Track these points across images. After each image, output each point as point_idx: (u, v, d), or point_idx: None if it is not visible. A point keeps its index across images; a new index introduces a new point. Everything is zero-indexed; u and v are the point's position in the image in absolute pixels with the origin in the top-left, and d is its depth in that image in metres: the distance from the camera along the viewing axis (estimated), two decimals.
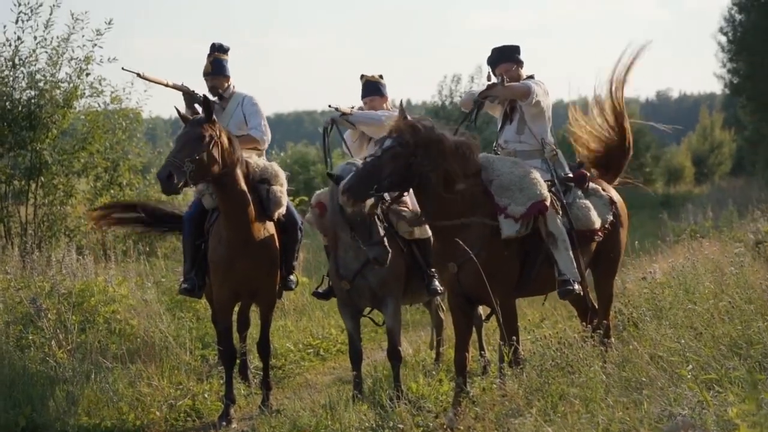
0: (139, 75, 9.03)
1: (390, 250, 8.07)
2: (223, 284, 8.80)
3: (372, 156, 7.51)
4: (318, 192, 9.51)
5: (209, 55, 9.40)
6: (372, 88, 9.40)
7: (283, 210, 8.97)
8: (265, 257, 8.82)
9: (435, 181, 7.43)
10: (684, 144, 55.88)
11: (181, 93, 9.30)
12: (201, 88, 9.38)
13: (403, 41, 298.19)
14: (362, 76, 9.49)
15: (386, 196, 7.70)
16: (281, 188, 8.99)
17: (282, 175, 9.11)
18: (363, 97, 9.41)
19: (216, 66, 9.38)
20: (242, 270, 8.69)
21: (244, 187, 8.55)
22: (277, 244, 8.97)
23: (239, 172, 8.52)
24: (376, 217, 8.03)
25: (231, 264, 8.68)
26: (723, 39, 41.23)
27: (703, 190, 42.32)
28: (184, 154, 8.08)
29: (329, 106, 9.12)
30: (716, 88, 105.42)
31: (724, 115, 53.07)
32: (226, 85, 9.42)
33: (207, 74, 9.38)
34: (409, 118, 7.60)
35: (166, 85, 9.17)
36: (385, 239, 8.10)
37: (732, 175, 49.86)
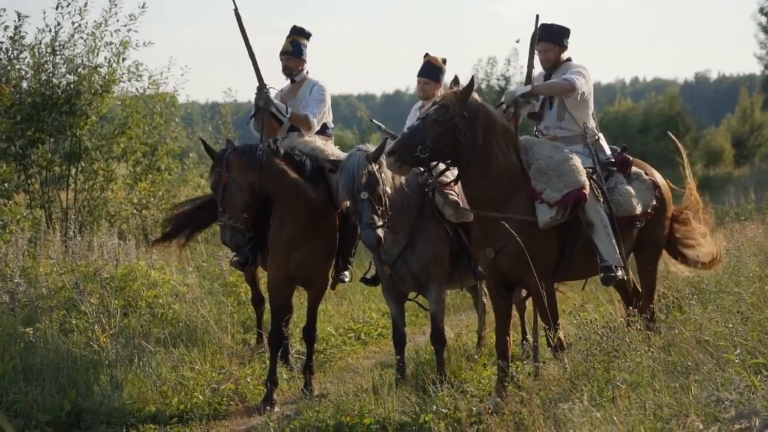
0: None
1: (381, 237, 8.00)
2: (281, 267, 8.85)
3: (418, 119, 7.55)
4: None
5: (288, 36, 9.54)
6: (429, 70, 9.26)
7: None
8: (323, 245, 8.87)
9: (476, 150, 7.44)
10: (723, 125, 55.34)
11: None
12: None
13: (438, 26, 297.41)
14: (426, 55, 9.34)
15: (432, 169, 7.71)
16: None
17: None
18: (419, 75, 9.32)
19: (295, 47, 9.51)
20: (301, 255, 8.74)
21: (293, 177, 8.56)
22: (337, 234, 8.99)
23: (280, 168, 8.52)
24: (370, 200, 8.02)
25: (291, 248, 8.73)
26: (763, 19, 40.81)
27: (744, 172, 41.90)
28: (227, 213, 8.44)
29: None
30: (756, 69, 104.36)
31: (764, 96, 52.39)
32: (300, 68, 9.49)
33: (285, 53, 9.51)
34: (458, 90, 7.62)
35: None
36: (379, 224, 8.02)
37: None
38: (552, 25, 8.34)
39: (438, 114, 7.46)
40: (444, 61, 9.35)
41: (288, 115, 9.16)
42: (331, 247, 9.00)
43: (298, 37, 9.54)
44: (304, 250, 8.75)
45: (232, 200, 8.38)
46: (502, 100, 8.17)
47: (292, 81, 9.56)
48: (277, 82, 9.59)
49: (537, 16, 8.16)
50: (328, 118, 9.59)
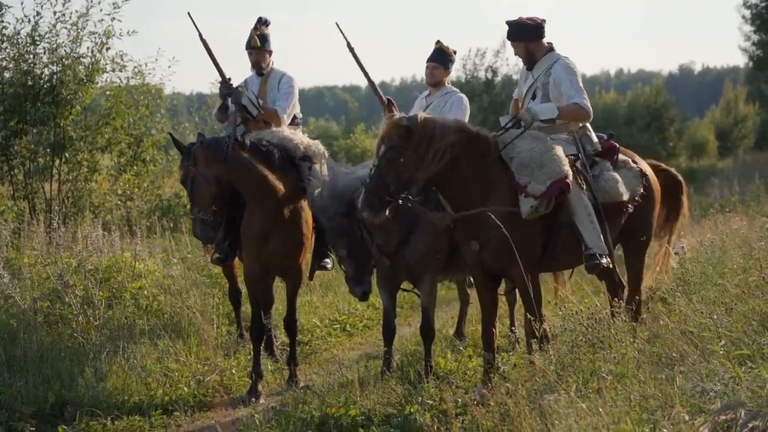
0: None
1: None
2: (254, 259, 8.83)
3: (373, 166, 7.50)
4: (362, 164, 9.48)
5: (256, 29, 9.44)
6: (439, 56, 9.28)
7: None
8: (294, 235, 8.84)
9: (437, 165, 7.41)
10: (707, 118, 55.56)
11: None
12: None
13: (431, 19, 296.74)
14: (437, 42, 9.34)
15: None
16: (323, 168, 9.02)
17: (325, 155, 9.15)
18: (428, 60, 9.31)
19: (263, 40, 9.45)
20: (273, 246, 8.73)
21: (259, 168, 8.55)
22: (311, 222, 8.99)
23: (245, 160, 8.51)
24: None
25: (262, 239, 8.72)
26: (747, 11, 40.87)
27: (727, 164, 42.07)
28: (196, 206, 8.44)
29: None
30: (740, 61, 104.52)
31: (748, 88, 52.61)
32: (268, 60, 9.46)
33: (254, 48, 9.45)
34: (395, 115, 7.57)
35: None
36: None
37: (756, 148, 49.59)
38: (512, 23, 8.27)
39: (388, 156, 7.35)
40: (454, 52, 9.37)
41: (258, 110, 9.15)
42: (303, 236, 8.98)
43: (263, 29, 9.49)
44: (275, 240, 8.75)
45: (200, 193, 8.37)
46: (520, 116, 7.98)
47: (260, 74, 9.50)
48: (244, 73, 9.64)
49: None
50: (296, 108, 9.57)
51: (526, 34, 8.21)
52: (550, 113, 7.90)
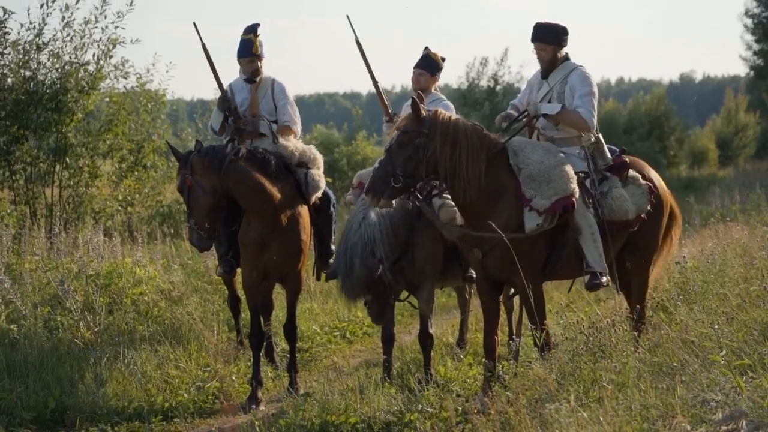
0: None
1: None
2: (253, 266, 8.82)
3: (384, 152, 7.61)
4: (360, 172, 9.49)
5: (256, 35, 9.33)
6: (426, 63, 9.26)
7: (319, 194, 9.00)
8: (293, 241, 8.83)
9: (447, 160, 7.46)
10: (708, 126, 55.55)
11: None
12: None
13: (431, 24, 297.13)
14: (425, 48, 9.34)
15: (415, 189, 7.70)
16: (319, 172, 9.03)
17: (320, 159, 9.18)
18: (415, 66, 9.30)
19: (262, 48, 9.40)
20: (271, 253, 8.72)
21: (255, 176, 8.55)
22: (309, 228, 8.99)
23: (240, 168, 8.49)
24: None
25: (260, 247, 8.71)
26: (749, 21, 40.94)
27: (728, 173, 42.03)
28: (193, 216, 8.42)
29: None
30: (741, 70, 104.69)
31: (749, 97, 52.62)
32: (262, 66, 9.44)
33: (254, 55, 9.34)
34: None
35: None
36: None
37: (756, 157, 49.53)
38: (544, 25, 8.20)
39: (400, 139, 7.49)
40: (443, 59, 9.34)
41: (275, 136, 9.15)
42: (302, 242, 8.97)
43: (260, 36, 9.47)
44: (273, 247, 8.74)
45: (197, 203, 8.36)
46: (527, 110, 8.11)
47: (251, 81, 9.44)
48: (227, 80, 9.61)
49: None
50: None
51: (557, 38, 8.19)
52: (552, 111, 7.95)
